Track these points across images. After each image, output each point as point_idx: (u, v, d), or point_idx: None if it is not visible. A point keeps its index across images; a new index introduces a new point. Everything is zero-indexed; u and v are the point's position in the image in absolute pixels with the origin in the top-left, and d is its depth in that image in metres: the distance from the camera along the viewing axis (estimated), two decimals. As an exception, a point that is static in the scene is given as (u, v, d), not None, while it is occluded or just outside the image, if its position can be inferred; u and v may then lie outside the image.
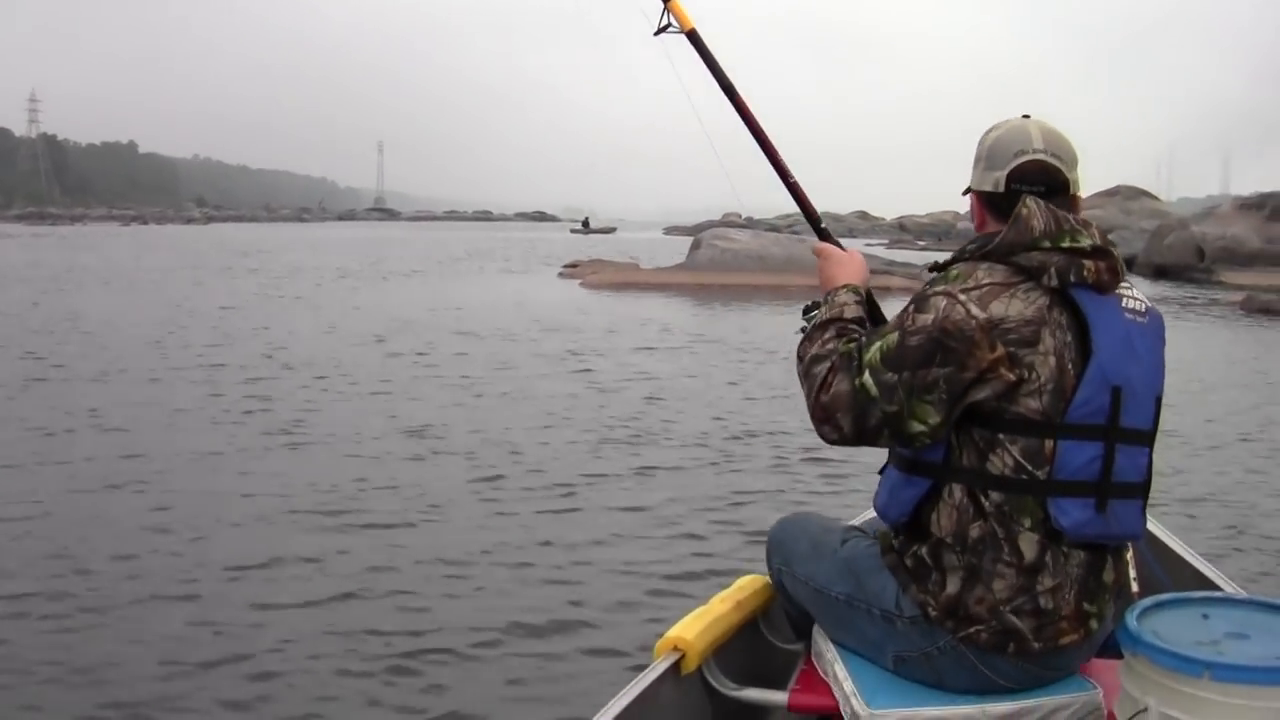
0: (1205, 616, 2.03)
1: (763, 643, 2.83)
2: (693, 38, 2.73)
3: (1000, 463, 2.08)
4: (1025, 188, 2.17)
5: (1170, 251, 32.67)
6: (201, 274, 29.03)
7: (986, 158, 2.25)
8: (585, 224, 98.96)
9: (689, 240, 34.48)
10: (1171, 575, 2.88)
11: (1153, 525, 3.27)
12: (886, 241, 67.40)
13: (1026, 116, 2.29)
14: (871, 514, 3.18)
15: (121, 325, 15.87)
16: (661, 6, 2.75)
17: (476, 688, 4.02)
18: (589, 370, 12.07)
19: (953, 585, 2.13)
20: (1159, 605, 2.06)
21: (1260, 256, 31.27)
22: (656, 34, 2.75)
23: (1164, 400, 2.23)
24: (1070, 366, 2.05)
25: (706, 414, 9.36)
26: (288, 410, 9.35)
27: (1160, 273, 32.26)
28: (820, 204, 2.85)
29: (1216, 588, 2.83)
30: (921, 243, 67.11)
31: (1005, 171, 2.20)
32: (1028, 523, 2.07)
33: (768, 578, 2.85)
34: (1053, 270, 2.06)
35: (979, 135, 2.31)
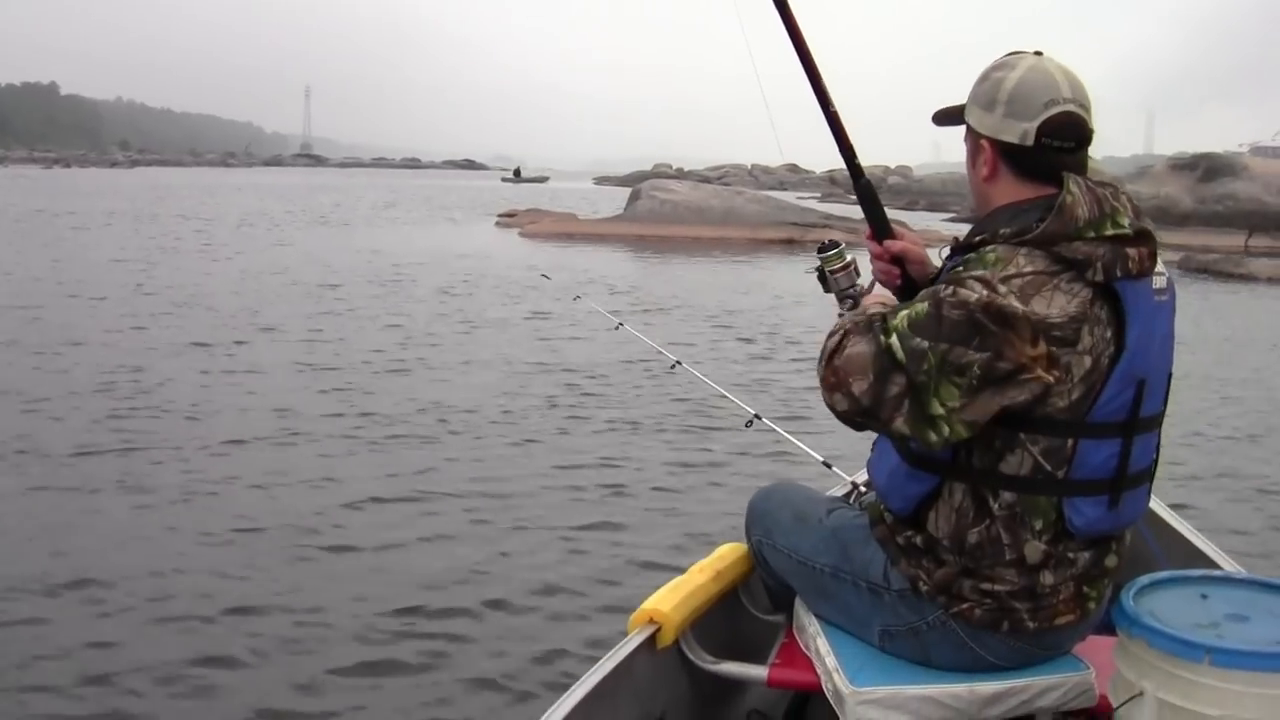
0: (1204, 597, 1.98)
1: (743, 614, 2.76)
2: None
3: (1017, 462, 1.97)
4: (1057, 143, 2.00)
5: (1103, 210, 32.98)
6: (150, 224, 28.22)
7: (1008, 103, 2.03)
8: (517, 173, 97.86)
9: (621, 190, 34.21)
10: (1168, 552, 2.84)
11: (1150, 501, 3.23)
12: (819, 195, 67.43)
13: (1039, 54, 2.09)
14: (849, 484, 3.13)
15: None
16: None
17: (447, 661, 3.93)
18: (549, 328, 11.91)
19: (947, 570, 2.07)
20: (1156, 584, 2.02)
21: (1193, 216, 31.71)
22: None
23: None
24: (1105, 363, 1.93)
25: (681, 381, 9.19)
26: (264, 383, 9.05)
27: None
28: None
29: (1215, 565, 2.79)
30: (853, 196, 66.57)
31: (1036, 124, 2.00)
32: (1039, 524, 1.98)
33: (746, 546, 2.78)
34: (1099, 265, 1.91)
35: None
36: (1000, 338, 1.87)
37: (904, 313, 1.95)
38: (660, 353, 4.45)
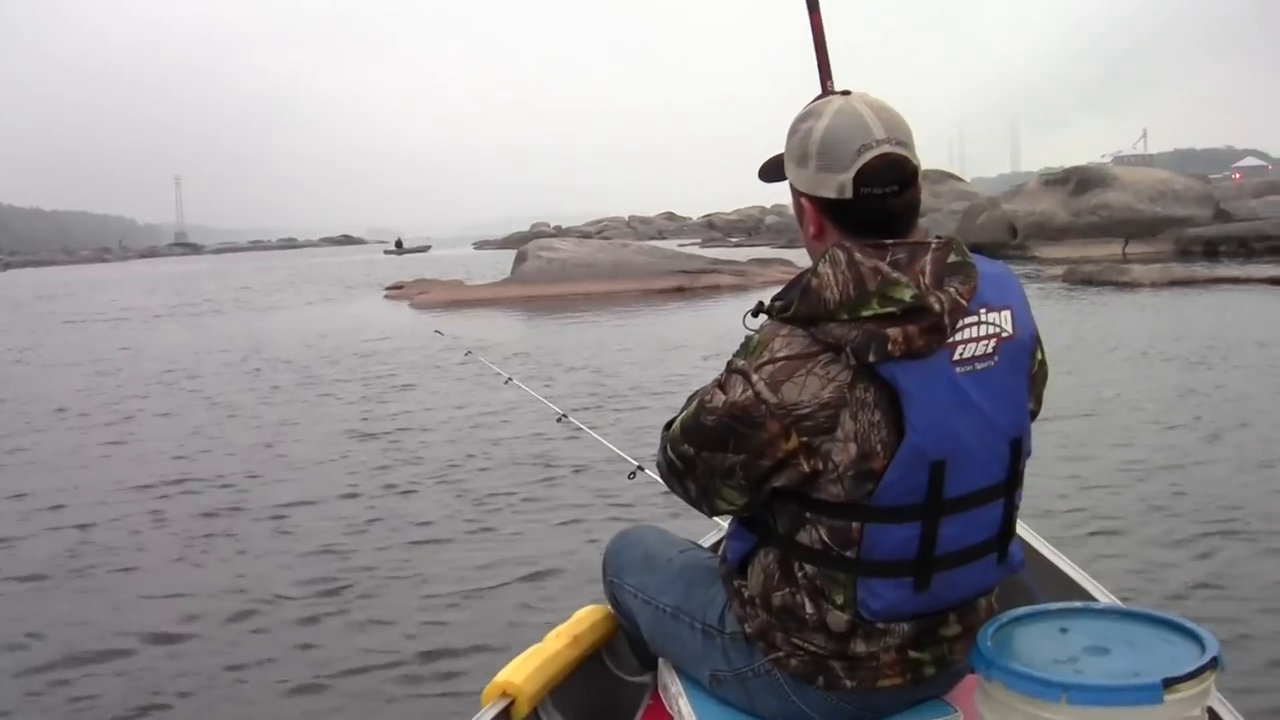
0: (1064, 630, 1.90)
1: (607, 677, 2.66)
2: None
3: (809, 537, 1.91)
4: (878, 189, 1.85)
5: (984, 230, 33.79)
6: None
7: (819, 156, 1.89)
8: (399, 244, 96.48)
9: (503, 253, 34.02)
10: (1041, 582, 2.77)
11: (1022, 529, 3.16)
12: (699, 241, 68.16)
13: (846, 93, 1.95)
14: (720, 535, 3.04)
15: None
16: None
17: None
18: (443, 388, 11.67)
19: (764, 620, 2.02)
20: (1015, 620, 1.93)
21: (1070, 229, 32.76)
22: None
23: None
24: (879, 448, 1.80)
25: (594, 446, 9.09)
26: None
27: (975, 252, 33.24)
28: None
29: (1088, 595, 2.72)
30: (734, 239, 68.07)
31: (851, 174, 1.85)
32: (839, 599, 1.91)
33: (608, 607, 2.67)
34: (849, 350, 1.78)
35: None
36: (752, 439, 1.86)
37: (680, 417, 2.01)
38: (548, 405, 4.40)
